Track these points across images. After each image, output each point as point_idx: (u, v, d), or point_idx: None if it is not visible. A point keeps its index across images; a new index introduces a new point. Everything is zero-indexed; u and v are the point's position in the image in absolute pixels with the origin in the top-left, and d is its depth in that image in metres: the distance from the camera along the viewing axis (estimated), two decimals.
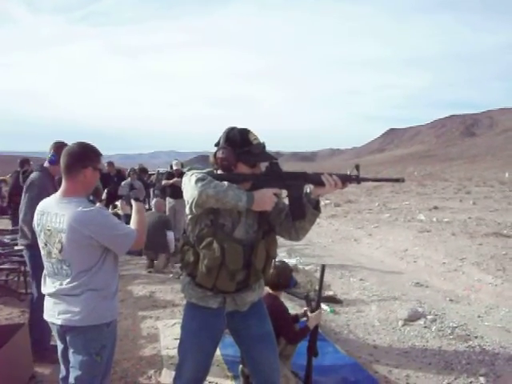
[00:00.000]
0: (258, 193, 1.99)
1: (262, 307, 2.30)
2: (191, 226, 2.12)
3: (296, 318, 3.11)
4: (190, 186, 1.95)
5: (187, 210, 2.04)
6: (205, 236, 2.05)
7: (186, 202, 1.99)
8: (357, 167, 2.08)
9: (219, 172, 2.09)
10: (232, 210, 2.04)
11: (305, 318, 2.98)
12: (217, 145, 2.11)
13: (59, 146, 3.39)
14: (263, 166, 2.15)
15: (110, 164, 9.83)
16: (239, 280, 2.10)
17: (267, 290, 2.96)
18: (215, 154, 2.09)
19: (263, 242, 2.13)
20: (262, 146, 2.10)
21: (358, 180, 2.07)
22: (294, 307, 4.62)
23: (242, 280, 2.11)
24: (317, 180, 2.06)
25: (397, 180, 2.19)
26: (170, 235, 6.65)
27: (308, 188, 2.11)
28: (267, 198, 2.00)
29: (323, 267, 2.96)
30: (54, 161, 3.54)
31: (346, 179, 2.07)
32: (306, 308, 3.05)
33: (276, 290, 3.01)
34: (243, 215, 2.10)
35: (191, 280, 2.15)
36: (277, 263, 2.98)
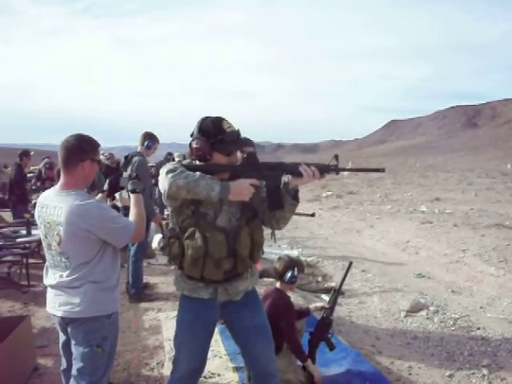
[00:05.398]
0: (235, 183, 1.98)
1: (255, 297, 2.28)
2: (175, 218, 2.11)
3: (307, 311, 3.09)
4: (161, 178, 1.95)
5: (164, 202, 2.04)
6: (187, 226, 2.04)
7: None
8: (336, 157, 2.06)
9: (197, 163, 2.08)
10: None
11: (315, 313, 2.91)
12: (192, 135, 2.08)
13: (151, 134, 4.78)
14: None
15: (111, 156, 9.88)
16: (227, 269, 2.09)
17: (276, 284, 2.95)
18: (190, 144, 2.07)
19: (246, 229, 2.11)
20: (237, 133, 2.06)
21: (336, 170, 2.05)
22: (296, 298, 4.63)
23: (230, 269, 2.10)
24: (294, 170, 2.04)
25: (377, 170, 2.14)
26: None
27: (286, 178, 2.08)
28: (244, 189, 1.99)
29: (350, 264, 2.95)
30: (151, 146, 4.77)
31: (324, 169, 2.04)
32: (322, 304, 3.03)
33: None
34: (225, 204, 2.08)
35: (182, 272, 2.15)
36: (285, 257, 2.95)
